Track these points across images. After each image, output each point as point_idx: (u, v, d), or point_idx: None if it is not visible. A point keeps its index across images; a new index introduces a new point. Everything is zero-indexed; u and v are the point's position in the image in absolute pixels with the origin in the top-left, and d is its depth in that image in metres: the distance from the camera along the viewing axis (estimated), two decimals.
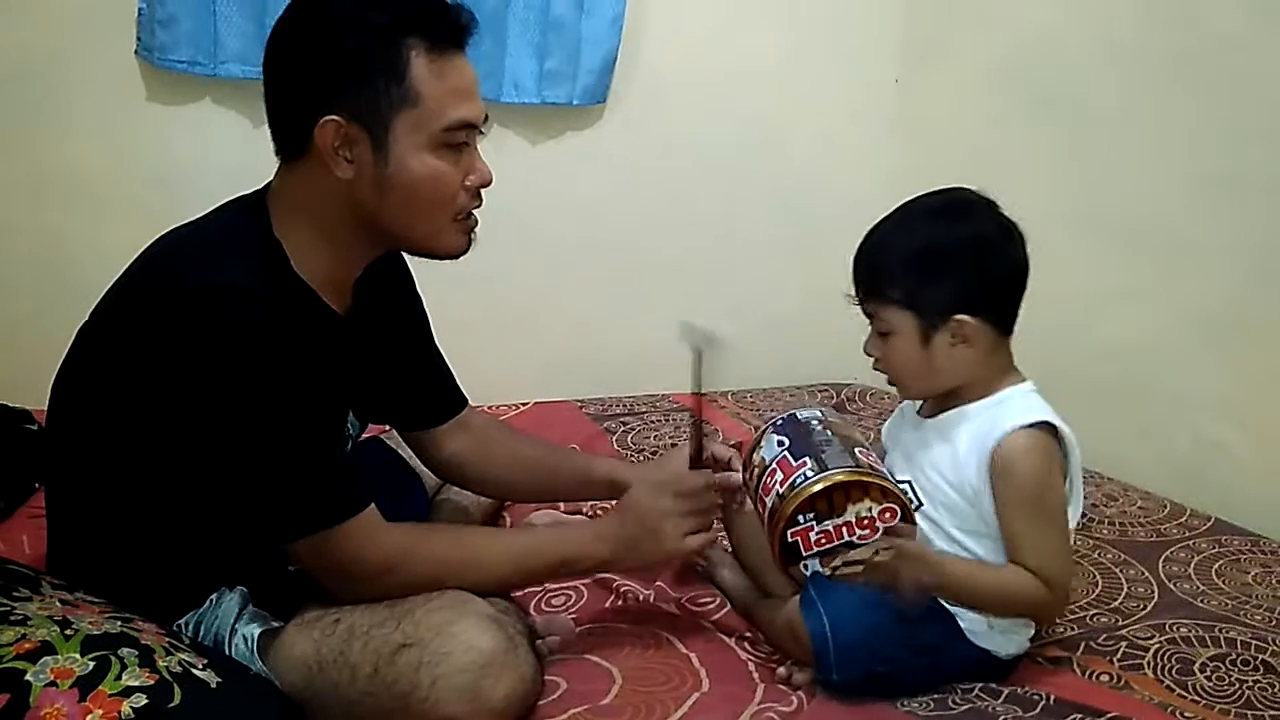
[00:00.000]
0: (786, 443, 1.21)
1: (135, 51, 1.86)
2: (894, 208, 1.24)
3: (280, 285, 1.13)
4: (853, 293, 1.23)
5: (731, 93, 2.23)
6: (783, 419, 1.26)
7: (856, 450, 1.19)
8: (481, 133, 1.18)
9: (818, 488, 1.14)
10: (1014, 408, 1.19)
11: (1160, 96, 1.85)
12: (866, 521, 1.14)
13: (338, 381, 1.20)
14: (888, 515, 1.14)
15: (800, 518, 1.15)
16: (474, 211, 1.18)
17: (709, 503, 1.26)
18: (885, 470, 1.21)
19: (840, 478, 1.14)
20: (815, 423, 1.24)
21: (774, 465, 1.20)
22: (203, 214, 1.19)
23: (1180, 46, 1.81)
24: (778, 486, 1.18)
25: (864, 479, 1.14)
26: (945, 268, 1.18)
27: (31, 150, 1.86)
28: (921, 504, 1.21)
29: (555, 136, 2.14)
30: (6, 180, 1.86)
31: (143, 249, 1.17)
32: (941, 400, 1.25)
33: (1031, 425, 1.16)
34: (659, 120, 2.18)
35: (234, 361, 1.05)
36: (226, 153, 1.86)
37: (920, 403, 1.29)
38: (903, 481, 1.24)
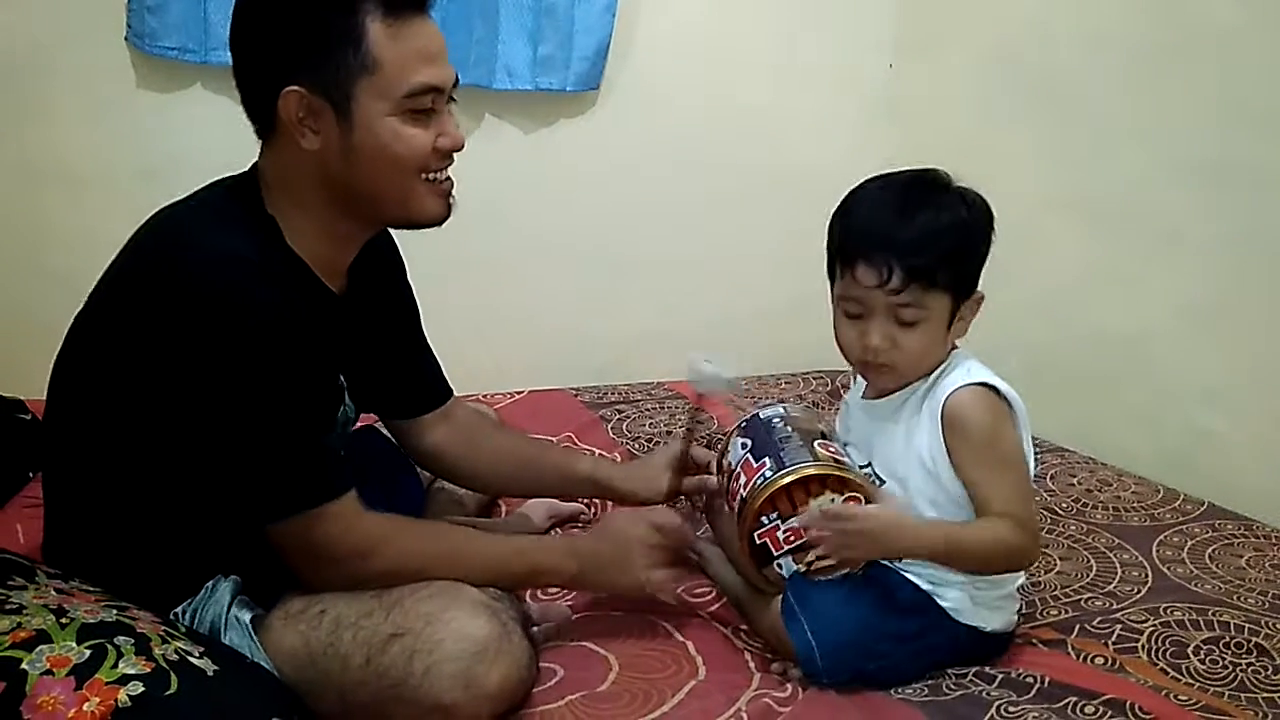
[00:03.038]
0: (749, 444, 1.21)
1: (125, 38, 1.84)
2: (871, 190, 1.21)
3: (279, 259, 1.13)
4: (877, 281, 1.14)
5: (725, 79, 2.22)
6: (747, 420, 1.26)
7: (816, 444, 1.18)
8: (453, 98, 1.17)
9: (776, 487, 1.14)
10: (958, 372, 1.20)
11: (1151, 84, 1.85)
12: None
13: (334, 360, 1.19)
14: (851, 504, 1.14)
15: (764, 519, 1.15)
16: (449, 174, 1.17)
17: (681, 540, 1.29)
18: (848, 459, 1.20)
19: (798, 474, 1.14)
20: (777, 420, 1.23)
21: (739, 469, 1.20)
22: (190, 193, 1.18)
23: (1170, 35, 1.81)
24: (742, 490, 1.18)
25: (821, 472, 1.14)
26: (974, 245, 1.18)
27: (21, 138, 1.85)
28: (884, 482, 1.22)
29: (549, 123, 2.13)
30: None
31: (136, 229, 1.16)
32: None
33: (974, 384, 1.17)
34: (653, 107, 2.17)
35: (232, 329, 1.05)
36: (218, 140, 1.82)
37: (863, 388, 1.29)
38: (863, 466, 1.24)
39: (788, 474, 1.14)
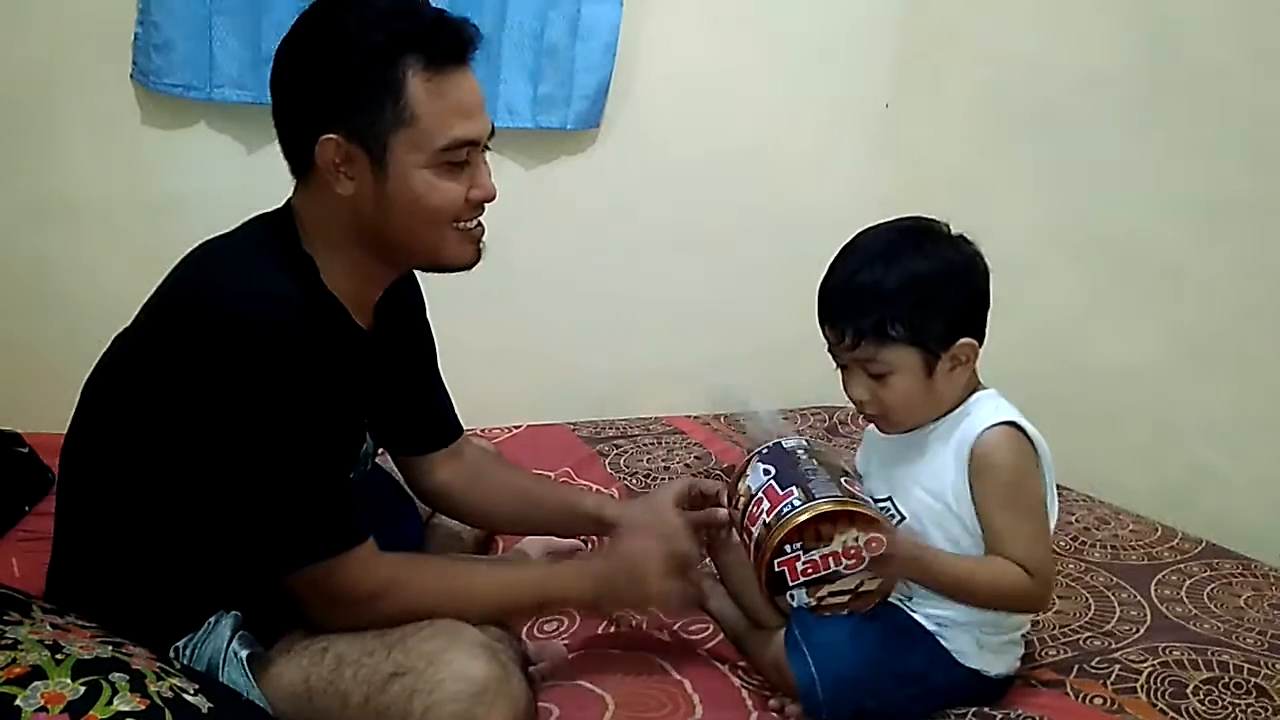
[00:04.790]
0: (773, 471, 1.21)
1: (131, 75, 1.86)
2: (844, 250, 1.21)
3: (315, 298, 1.14)
4: (837, 340, 1.19)
5: (724, 118, 2.25)
6: (768, 448, 1.26)
7: (842, 480, 1.19)
8: (488, 147, 1.18)
9: (805, 517, 1.14)
10: (986, 409, 1.20)
11: (1147, 123, 1.87)
12: (853, 551, 1.14)
13: (361, 398, 1.20)
14: (874, 544, 1.14)
15: (787, 547, 1.15)
16: (480, 221, 1.19)
17: (690, 553, 1.29)
18: (869, 499, 1.21)
19: (828, 507, 1.14)
20: (801, 452, 1.24)
21: (760, 494, 1.20)
22: (230, 229, 1.19)
23: (1166, 73, 1.84)
24: (764, 516, 1.18)
25: (851, 509, 1.14)
26: (943, 295, 1.17)
27: (25, 173, 1.86)
28: (904, 518, 1.22)
29: (549, 161, 2.15)
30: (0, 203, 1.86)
31: (176, 263, 1.17)
32: None
33: (1004, 424, 1.17)
34: (652, 145, 2.19)
35: (265, 368, 1.06)
36: (221, 177, 1.87)
37: None
38: (883, 500, 1.24)
39: (816, 506, 1.14)
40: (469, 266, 1.20)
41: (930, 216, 1.23)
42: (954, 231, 1.21)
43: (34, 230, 1.88)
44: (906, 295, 1.16)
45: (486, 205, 1.18)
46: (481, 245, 1.20)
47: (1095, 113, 1.96)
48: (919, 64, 2.31)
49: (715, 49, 2.23)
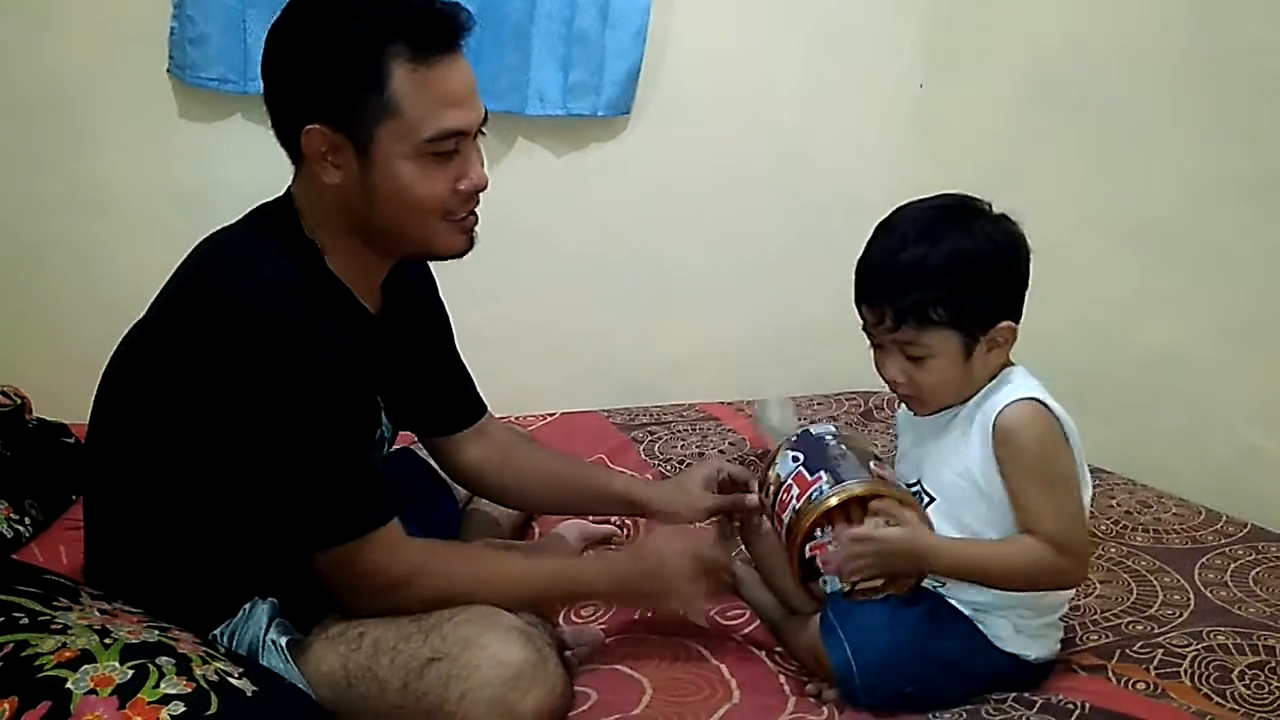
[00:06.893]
0: (801, 458, 1.20)
1: (167, 69, 1.89)
2: (882, 227, 1.19)
3: (320, 283, 1.15)
4: (876, 321, 1.16)
5: (756, 101, 2.23)
6: (797, 435, 1.26)
7: (870, 464, 1.18)
8: (482, 133, 1.17)
9: (833, 501, 1.13)
10: (1010, 386, 1.18)
11: (1186, 101, 1.84)
12: None
13: (373, 381, 1.21)
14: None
15: (818, 532, 1.15)
16: (474, 211, 1.17)
17: (721, 573, 1.30)
18: (899, 482, 1.20)
19: (856, 490, 1.14)
20: (829, 438, 1.23)
21: (789, 481, 1.19)
22: (235, 220, 1.20)
23: (1205, 51, 1.80)
24: (794, 502, 1.17)
25: (879, 491, 1.14)
26: (987, 276, 1.15)
27: (65, 168, 1.89)
28: (935, 499, 1.21)
29: (580, 148, 2.15)
30: (41, 197, 1.89)
31: (184, 256, 1.19)
32: None
33: (1025, 399, 1.16)
34: (683, 131, 2.19)
35: (276, 355, 1.07)
36: (257, 169, 1.85)
37: None
38: (913, 483, 1.23)
39: (845, 489, 1.14)
40: (460, 255, 1.19)
41: (971, 194, 1.21)
42: (995, 210, 1.19)
43: (74, 223, 1.91)
44: (950, 275, 1.13)
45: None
46: (474, 234, 1.19)
47: (1136, 91, 1.92)
48: (953, 43, 2.28)
49: (746, 33, 2.22)
